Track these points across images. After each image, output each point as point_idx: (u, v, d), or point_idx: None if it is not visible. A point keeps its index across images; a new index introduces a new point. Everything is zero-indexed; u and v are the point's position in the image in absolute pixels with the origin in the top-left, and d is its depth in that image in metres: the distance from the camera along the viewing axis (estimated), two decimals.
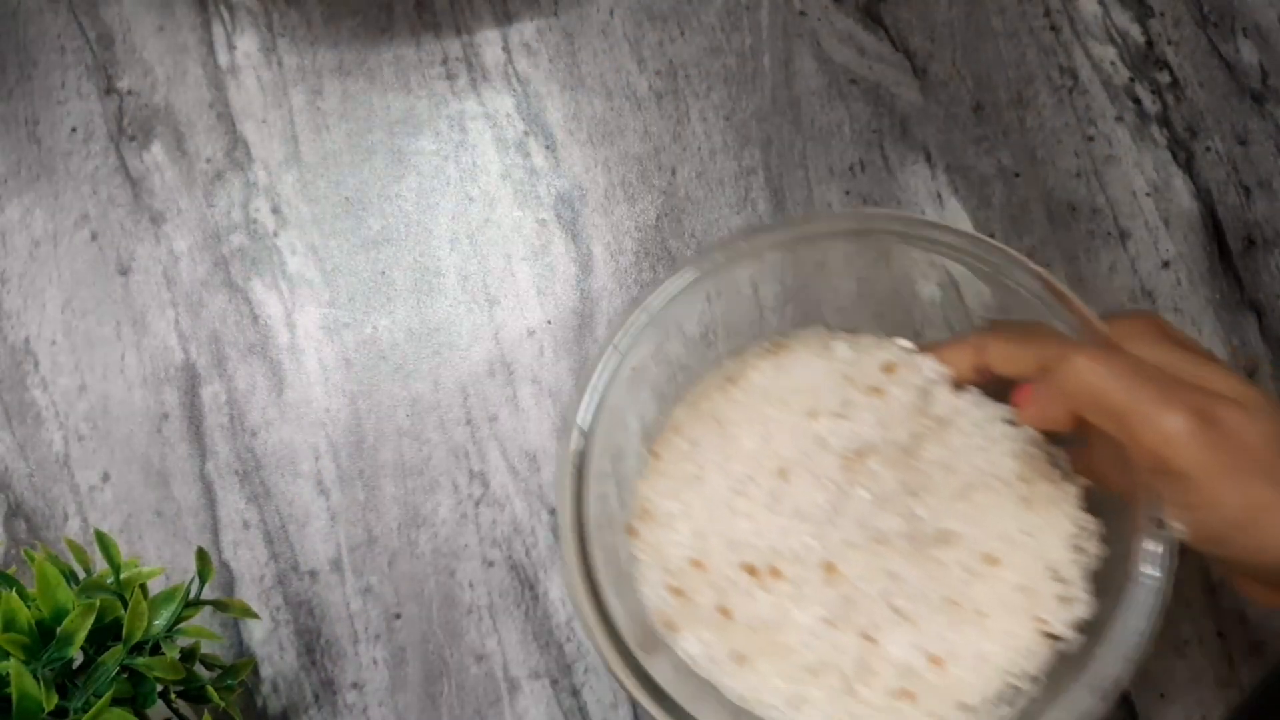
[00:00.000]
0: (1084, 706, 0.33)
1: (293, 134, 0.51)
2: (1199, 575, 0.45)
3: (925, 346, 0.40)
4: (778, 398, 0.40)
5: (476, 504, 0.46)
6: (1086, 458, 0.38)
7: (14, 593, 0.35)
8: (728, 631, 0.38)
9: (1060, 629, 0.36)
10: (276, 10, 0.52)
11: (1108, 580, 0.36)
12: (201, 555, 0.40)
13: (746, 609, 0.38)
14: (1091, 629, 0.35)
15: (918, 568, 0.37)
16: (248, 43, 0.52)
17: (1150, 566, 0.33)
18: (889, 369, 0.40)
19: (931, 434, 0.39)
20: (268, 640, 0.45)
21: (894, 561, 0.37)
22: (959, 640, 0.36)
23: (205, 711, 0.38)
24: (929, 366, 0.39)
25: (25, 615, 0.35)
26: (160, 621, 0.37)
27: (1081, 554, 0.37)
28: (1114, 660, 0.33)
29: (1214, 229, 0.49)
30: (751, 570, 0.38)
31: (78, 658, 0.36)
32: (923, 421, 0.39)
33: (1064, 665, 0.36)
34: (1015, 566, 0.37)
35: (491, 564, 0.46)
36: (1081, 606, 0.36)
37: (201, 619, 0.41)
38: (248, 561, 0.46)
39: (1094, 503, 0.37)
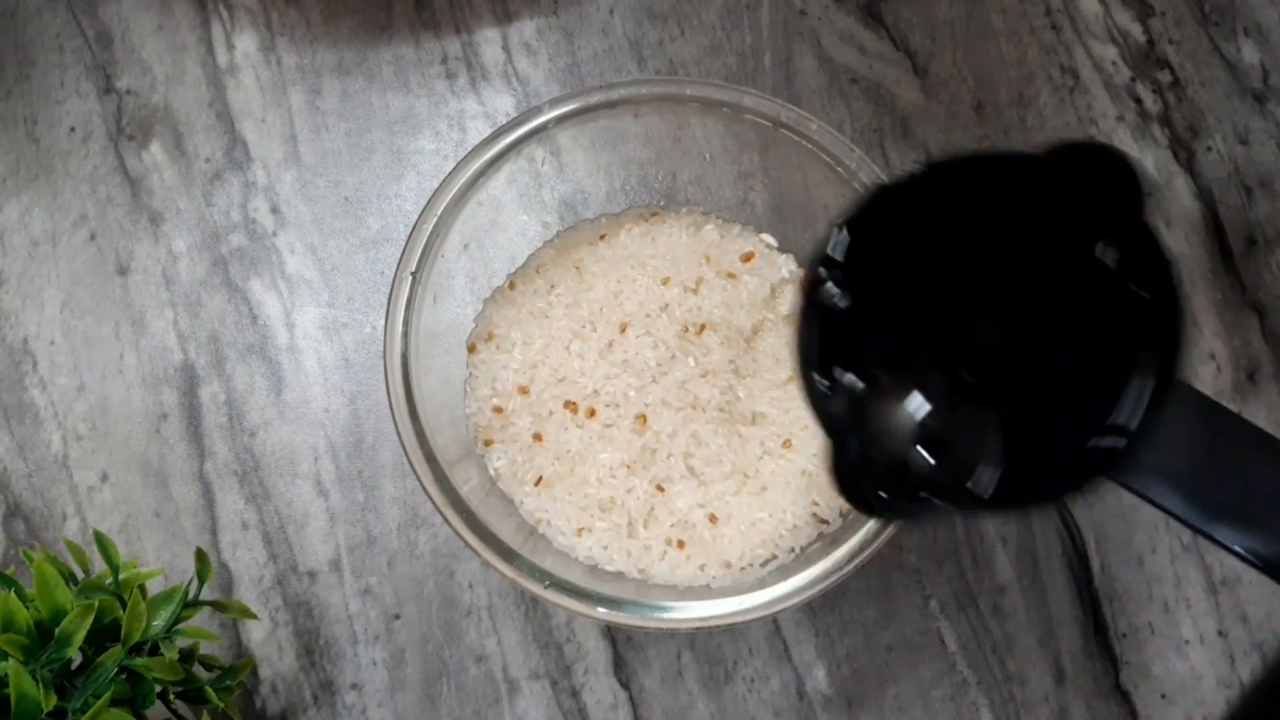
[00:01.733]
0: (824, 572, 0.36)
1: (292, 133, 0.50)
2: (1200, 576, 0.45)
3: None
4: (639, 260, 0.43)
5: None
6: None
7: (13, 593, 0.35)
8: (536, 456, 0.41)
9: (828, 513, 0.40)
10: (275, 9, 0.52)
11: None
12: (200, 556, 0.39)
13: (558, 439, 0.41)
14: (854, 519, 0.38)
15: (722, 438, 0.40)
16: (247, 42, 0.52)
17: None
18: (747, 258, 0.44)
19: (771, 327, 0.43)
20: (267, 641, 0.45)
21: (702, 427, 0.41)
22: (738, 506, 0.40)
23: (204, 712, 0.38)
24: (785, 266, 0.43)
25: (24, 616, 0.34)
26: (159, 622, 0.37)
27: None
28: (860, 540, 0.36)
29: (1215, 229, 0.49)
30: (571, 406, 0.41)
31: (76, 658, 0.35)
32: (766, 314, 0.43)
33: (822, 544, 0.39)
34: (806, 453, 0.40)
35: (491, 564, 0.45)
36: None
37: (200, 620, 0.41)
38: (247, 562, 0.46)
39: None
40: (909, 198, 0.30)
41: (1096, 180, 0.28)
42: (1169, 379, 0.27)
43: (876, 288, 0.31)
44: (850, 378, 0.30)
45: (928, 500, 0.29)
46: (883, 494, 0.30)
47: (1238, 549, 0.28)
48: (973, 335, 0.30)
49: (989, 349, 0.30)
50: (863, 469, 0.30)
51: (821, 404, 0.30)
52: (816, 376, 0.30)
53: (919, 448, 0.30)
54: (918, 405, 0.30)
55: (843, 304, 0.30)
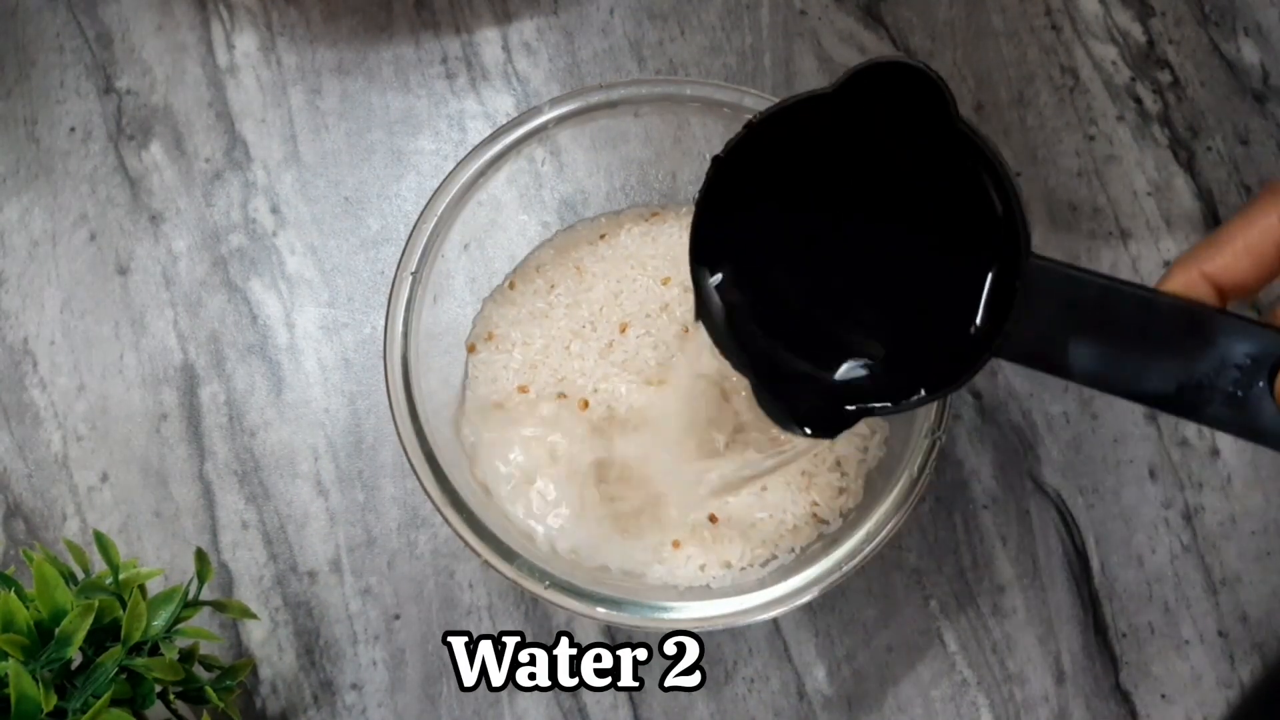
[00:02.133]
0: (824, 572, 0.36)
1: (292, 133, 0.50)
2: (1200, 576, 0.45)
3: None
4: (639, 260, 0.43)
5: None
6: None
7: (13, 593, 0.35)
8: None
9: (828, 513, 0.40)
10: (275, 9, 0.52)
11: (880, 480, 0.39)
12: (200, 556, 0.39)
13: None
14: (854, 519, 0.39)
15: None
16: (247, 42, 0.52)
17: (911, 469, 0.36)
18: None
19: None
20: (267, 641, 0.45)
21: None
22: (738, 506, 0.40)
23: (204, 712, 0.38)
24: None
25: (24, 616, 0.34)
26: (159, 622, 0.37)
27: (865, 453, 0.40)
28: (860, 540, 0.36)
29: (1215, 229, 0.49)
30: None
31: (76, 658, 0.35)
32: None
33: (822, 544, 0.39)
34: (806, 453, 0.40)
35: (490, 564, 0.45)
36: (852, 498, 0.40)
37: (200, 620, 0.41)
38: (246, 562, 0.46)
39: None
40: (746, 159, 0.33)
41: (903, 96, 0.30)
42: (1022, 254, 0.29)
43: (747, 249, 0.33)
44: (761, 329, 0.34)
45: (856, 408, 0.32)
46: (817, 413, 0.33)
47: (1130, 395, 0.29)
48: (848, 260, 0.33)
49: (864, 269, 0.33)
50: (793, 398, 0.33)
51: (745, 360, 0.33)
52: (734, 335, 0.33)
53: (829, 370, 0.33)
54: (821, 334, 0.33)
55: (726, 276, 0.33)
